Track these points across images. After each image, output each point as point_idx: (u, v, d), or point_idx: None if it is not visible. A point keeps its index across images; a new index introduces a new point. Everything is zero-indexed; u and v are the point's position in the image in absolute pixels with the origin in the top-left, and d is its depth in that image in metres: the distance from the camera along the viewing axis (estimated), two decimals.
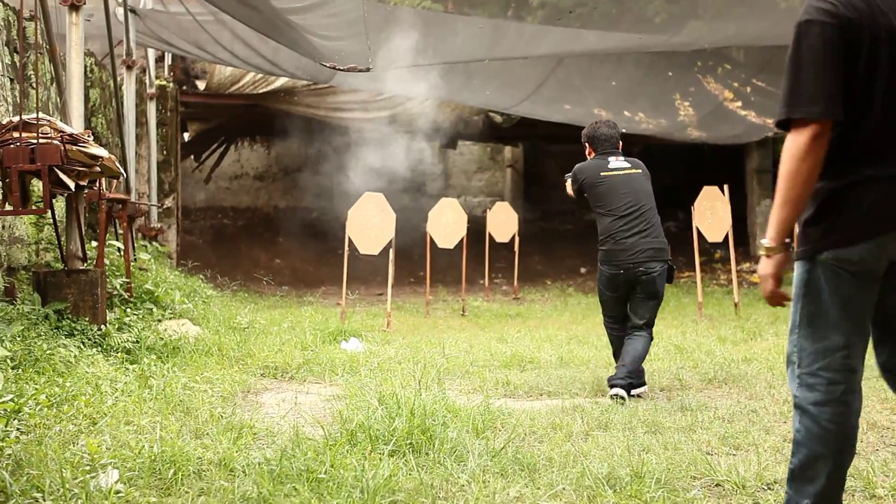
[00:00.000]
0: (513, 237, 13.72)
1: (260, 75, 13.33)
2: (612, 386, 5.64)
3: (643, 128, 14.14)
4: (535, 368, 6.95)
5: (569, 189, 6.25)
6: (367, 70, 9.76)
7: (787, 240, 2.59)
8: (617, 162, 6.03)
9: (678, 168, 19.38)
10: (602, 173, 6.00)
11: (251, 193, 21.24)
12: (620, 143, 6.17)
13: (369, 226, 9.95)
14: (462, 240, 11.92)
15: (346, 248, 10.03)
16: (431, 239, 11.55)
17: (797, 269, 2.65)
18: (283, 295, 13.47)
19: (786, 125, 2.53)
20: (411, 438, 4.02)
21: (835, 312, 2.55)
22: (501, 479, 3.68)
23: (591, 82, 13.58)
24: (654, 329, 8.83)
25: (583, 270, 17.61)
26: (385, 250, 10.08)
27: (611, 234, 5.87)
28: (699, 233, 10.79)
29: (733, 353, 7.36)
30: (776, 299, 2.60)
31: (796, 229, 2.66)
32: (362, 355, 6.93)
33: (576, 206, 21.78)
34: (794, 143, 2.48)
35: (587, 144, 6.17)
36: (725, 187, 10.93)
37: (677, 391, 6.03)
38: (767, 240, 2.58)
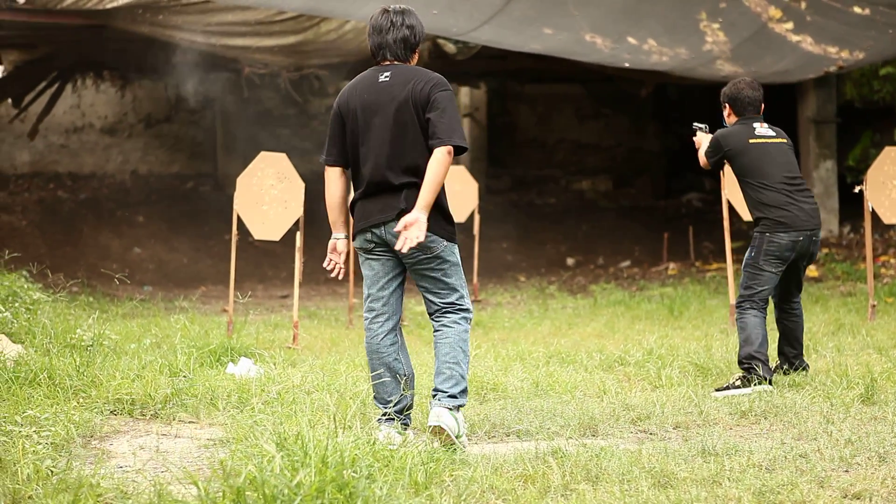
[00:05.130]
0: (471, 215, 13.79)
1: None
2: (802, 368, 7.56)
3: (654, 61, 14.20)
4: (500, 398, 7.01)
5: (701, 156, 7.81)
6: None
7: None
8: (763, 129, 7.54)
9: (703, 118, 19.53)
10: (751, 140, 7.49)
11: (98, 154, 21.04)
12: (763, 105, 7.64)
13: (267, 200, 9.92)
14: None
15: (235, 231, 9.99)
16: None
17: None
18: (144, 298, 13.39)
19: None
20: (323, 498, 4.05)
21: (366, 274, 5.82)
22: None
23: None
24: (670, 342, 8.99)
25: (570, 262, 17.76)
26: (290, 234, 10.08)
27: (780, 202, 7.36)
28: (731, 209, 10.82)
29: (777, 376, 7.49)
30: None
31: None
32: (256, 382, 6.94)
33: (562, 172, 21.90)
34: (325, 174, 5.99)
35: (727, 105, 7.70)
36: None
37: (697, 428, 6.13)
38: (335, 233, 6.03)
